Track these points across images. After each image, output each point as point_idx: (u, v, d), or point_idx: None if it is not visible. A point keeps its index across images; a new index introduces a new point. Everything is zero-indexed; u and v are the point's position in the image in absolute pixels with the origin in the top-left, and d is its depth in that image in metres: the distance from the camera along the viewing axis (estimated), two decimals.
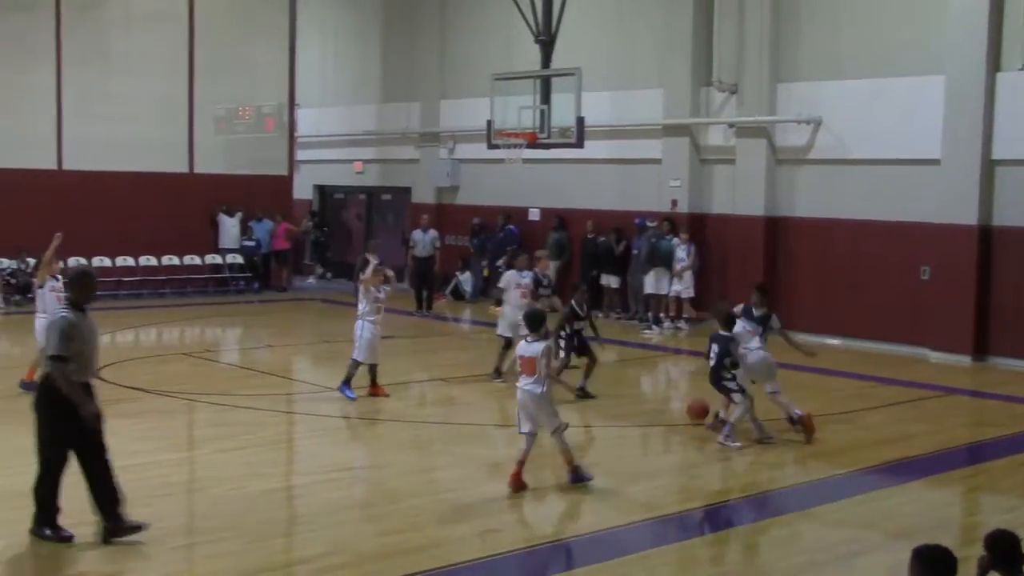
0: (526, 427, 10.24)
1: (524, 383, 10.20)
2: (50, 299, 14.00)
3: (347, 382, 14.26)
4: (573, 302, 15.06)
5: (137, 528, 8.59)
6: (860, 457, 11.94)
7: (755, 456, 12.13)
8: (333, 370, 15.20)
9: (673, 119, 22.42)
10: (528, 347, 10.27)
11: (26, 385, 14.28)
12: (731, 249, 21.61)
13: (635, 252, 22.50)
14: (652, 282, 21.71)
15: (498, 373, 15.60)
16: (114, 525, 8.57)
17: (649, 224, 21.85)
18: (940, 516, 10.20)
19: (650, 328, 21.46)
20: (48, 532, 8.56)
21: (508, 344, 15.34)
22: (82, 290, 8.70)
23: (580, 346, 14.97)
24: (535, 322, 10.51)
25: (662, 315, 21.70)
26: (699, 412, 12.99)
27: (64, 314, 8.50)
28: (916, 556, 5.28)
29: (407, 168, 28.41)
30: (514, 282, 15.86)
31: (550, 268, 17.71)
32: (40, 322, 14.47)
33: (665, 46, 22.57)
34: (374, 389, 14.39)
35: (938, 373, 17.40)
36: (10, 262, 23.30)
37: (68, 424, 8.41)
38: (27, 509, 8.57)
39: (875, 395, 15.55)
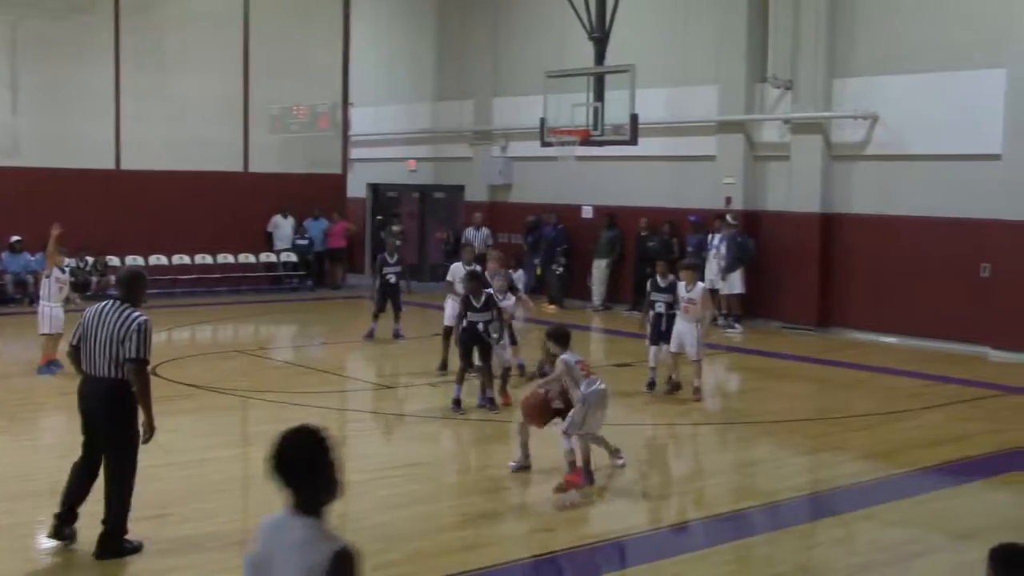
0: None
1: None
2: (53, 288, 14.57)
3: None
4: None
5: (69, 539, 8.44)
6: (918, 457, 11.78)
7: (811, 455, 12.02)
8: (386, 367, 15.23)
9: (727, 116, 22.26)
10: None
11: (44, 368, 14.65)
12: (785, 246, 21.41)
13: (689, 249, 22.36)
14: (739, 282, 21.24)
15: (444, 366, 15.47)
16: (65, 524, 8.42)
17: (732, 222, 21.50)
18: (1001, 517, 10.02)
19: (732, 327, 21.01)
20: (134, 543, 8.39)
21: (448, 334, 15.31)
22: (129, 289, 8.40)
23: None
24: (560, 339, 10.32)
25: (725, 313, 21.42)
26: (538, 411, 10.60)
27: (146, 317, 8.23)
28: (993, 556, 4.74)
29: (460, 166, 28.44)
30: (458, 275, 15.41)
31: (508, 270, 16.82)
32: (44, 309, 14.85)
33: (720, 42, 22.42)
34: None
35: (998, 372, 17.13)
36: (70, 260, 23.55)
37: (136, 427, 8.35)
38: (89, 504, 8.61)
39: (933, 394, 15.34)
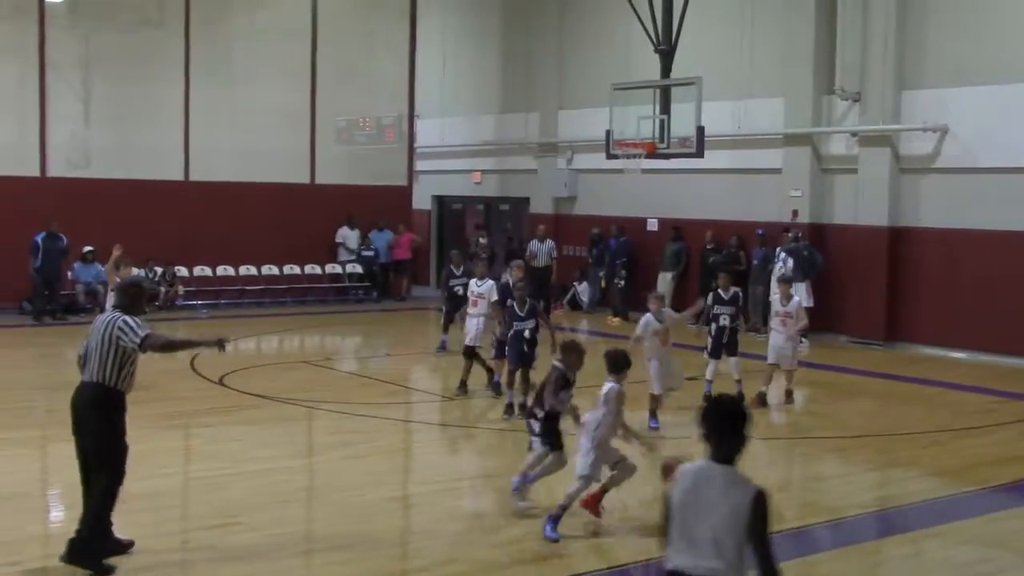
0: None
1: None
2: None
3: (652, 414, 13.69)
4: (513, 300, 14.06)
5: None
6: (989, 475, 11.57)
7: (879, 471, 11.86)
8: (451, 379, 15.25)
9: (794, 128, 22.09)
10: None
11: None
12: (853, 259, 21.18)
13: (755, 263, 22.21)
14: (806, 295, 20.36)
15: (463, 387, 14.96)
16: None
17: (799, 236, 21.26)
18: None
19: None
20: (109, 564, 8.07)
21: (469, 354, 14.99)
22: (126, 297, 8.32)
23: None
24: (614, 363, 9.84)
25: None
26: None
27: (122, 315, 8.12)
28: None
29: (525, 178, 28.47)
30: (473, 291, 15.22)
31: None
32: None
33: (786, 54, 22.26)
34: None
35: None
36: (139, 271, 23.90)
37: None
38: (157, 512, 8.71)
39: (1005, 411, 15.07)
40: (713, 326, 14.86)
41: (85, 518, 8.06)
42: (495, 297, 14.92)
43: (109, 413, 8.09)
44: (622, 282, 24.62)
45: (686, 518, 4.95)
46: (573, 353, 9.95)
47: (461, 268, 18.69)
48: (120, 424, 8.15)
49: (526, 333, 13.76)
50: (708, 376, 14.84)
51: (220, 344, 8.44)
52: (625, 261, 24.70)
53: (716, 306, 14.86)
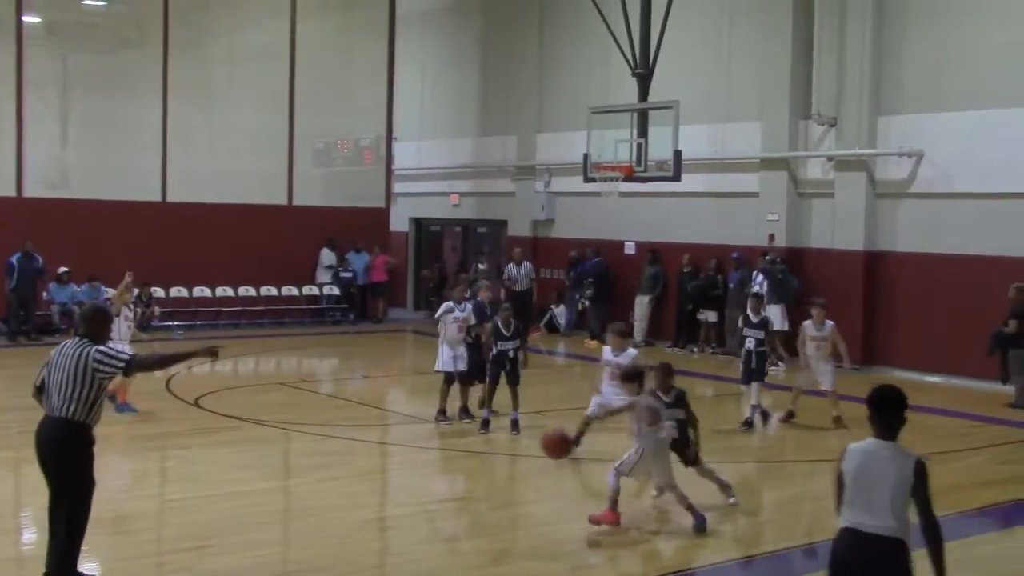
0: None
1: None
2: (123, 327, 14.63)
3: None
4: (498, 320, 14.38)
5: None
6: (963, 499, 11.58)
7: None
8: (427, 401, 15.22)
9: (771, 152, 22.21)
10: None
11: (121, 407, 14.63)
12: (830, 284, 21.24)
13: (731, 286, 22.28)
14: (780, 318, 20.46)
15: (442, 414, 14.84)
16: None
17: (776, 259, 21.36)
18: None
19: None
20: None
21: (448, 380, 14.83)
22: (91, 325, 7.97)
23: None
24: (629, 377, 10.41)
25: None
26: (556, 445, 10.62)
27: (98, 346, 7.83)
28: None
29: (503, 201, 28.51)
30: (450, 316, 14.97)
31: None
32: (116, 347, 14.90)
33: (763, 79, 22.41)
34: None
35: None
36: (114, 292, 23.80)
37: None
38: (131, 535, 8.65)
39: (979, 435, 15.14)
40: (742, 350, 15.19)
41: (53, 559, 7.74)
42: (473, 320, 14.90)
43: (80, 450, 7.71)
44: (586, 301, 24.66)
45: (862, 486, 5.98)
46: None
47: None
48: (90, 460, 7.77)
49: (510, 353, 14.15)
50: (753, 401, 14.94)
51: (212, 352, 8.12)
52: (592, 281, 24.68)
53: (745, 329, 15.02)
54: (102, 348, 7.79)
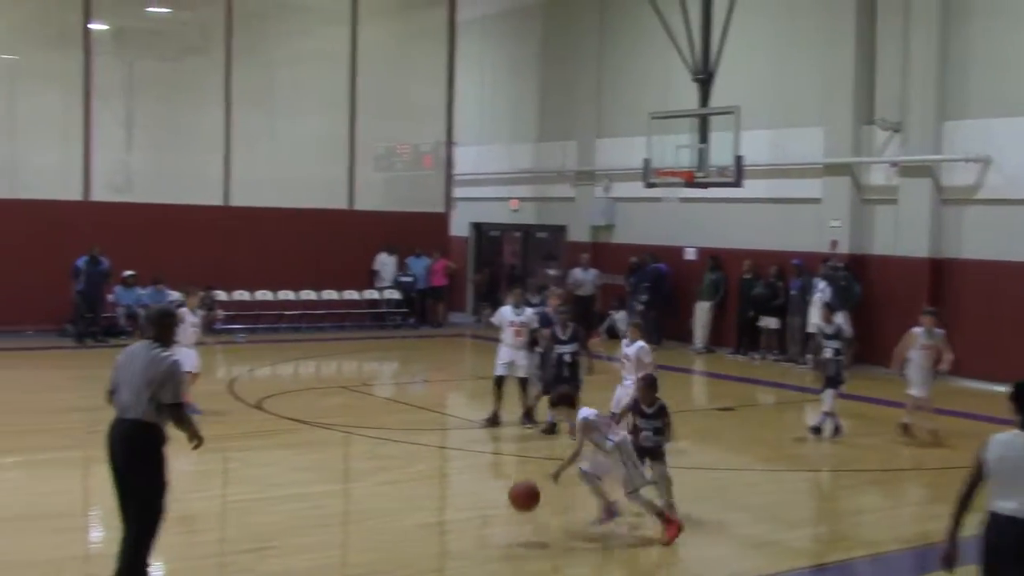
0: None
1: None
2: (189, 332, 14.65)
3: None
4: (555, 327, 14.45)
5: None
6: None
7: (921, 506, 11.72)
8: (487, 405, 15.22)
9: (833, 158, 21.99)
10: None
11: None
12: (893, 291, 21.01)
13: (792, 293, 22.10)
14: (848, 326, 20.41)
15: (495, 418, 14.83)
16: None
17: (839, 266, 21.16)
18: None
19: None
20: None
21: (499, 383, 14.82)
22: (160, 328, 8.03)
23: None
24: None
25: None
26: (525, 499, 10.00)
27: (176, 357, 8.04)
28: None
29: (563, 206, 28.50)
30: (507, 320, 14.95)
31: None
32: (179, 351, 15.02)
33: (826, 83, 22.18)
34: None
35: None
36: (175, 295, 24.05)
37: None
38: (192, 535, 8.72)
39: None
40: (816, 359, 15.21)
41: (124, 558, 7.78)
42: (535, 325, 14.88)
43: (153, 451, 7.75)
44: (641, 306, 24.57)
45: (1008, 475, 6.26)
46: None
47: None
48: (163, 460, 7.80)
49: (566, 357, 14.08)
50: (826, 408, 14.80)
51: (198, 442, 7.97)
52: (647, 286, 24.58)
53: (823, 339, 14.97)
54: (177, 368, 7.82)
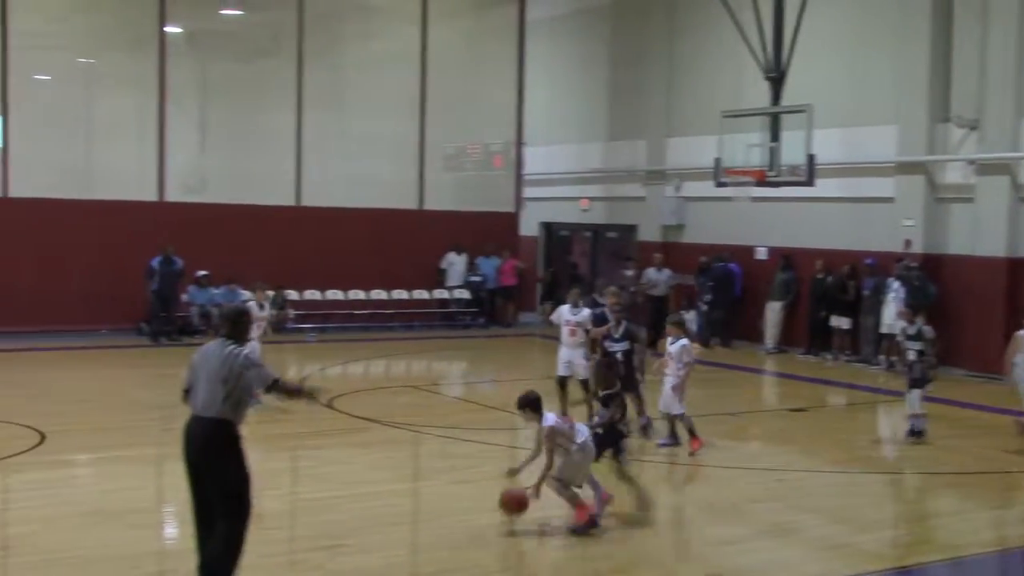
0: None
1: None
2: (257, 326, 14.83)
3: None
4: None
5: None
6: None
7: (1000, 510, 11.52)
8: (555, 406, 15.18)
9: (908, 156, 21.67)
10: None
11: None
12: (970, 291, 20.67)
13: (865, 292, 21.82)
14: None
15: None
16: None
17: (911, 265, 20.88)
18: None
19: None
20: None
21: (562, 383, 14.79)
22: (235, 326, 8.08)
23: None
24: (520, 406, 10.19)
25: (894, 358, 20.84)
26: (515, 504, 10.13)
27: (247, 349, 8.01)
28: None
29: (633, 206, 28.39)
30: (563, 319, 14.94)
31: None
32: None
33: (900, 80, 21.87)
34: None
35: None
36: (249, 294, 24.30)
37: None
38: (265, 532, 8.78)
39: None
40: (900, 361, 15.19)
41: (213, 558, 7.76)
42: (589, 325, 14.83)
43: (231, 446, 7.78)
44: (704, 305, 24.40)
45: None
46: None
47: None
48: (243, 455, 7.83)
49: (618, 355, 13.91)
50: (914, 410, 14.55)
51: (313, 397, 8.23)
52: (712, 286, 24.41)
53: (905, 341, 14.79)
54: (249, 355, 7.90)
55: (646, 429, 14.00)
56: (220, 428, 7.73)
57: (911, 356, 14.63)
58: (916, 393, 14.47)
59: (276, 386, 7.91)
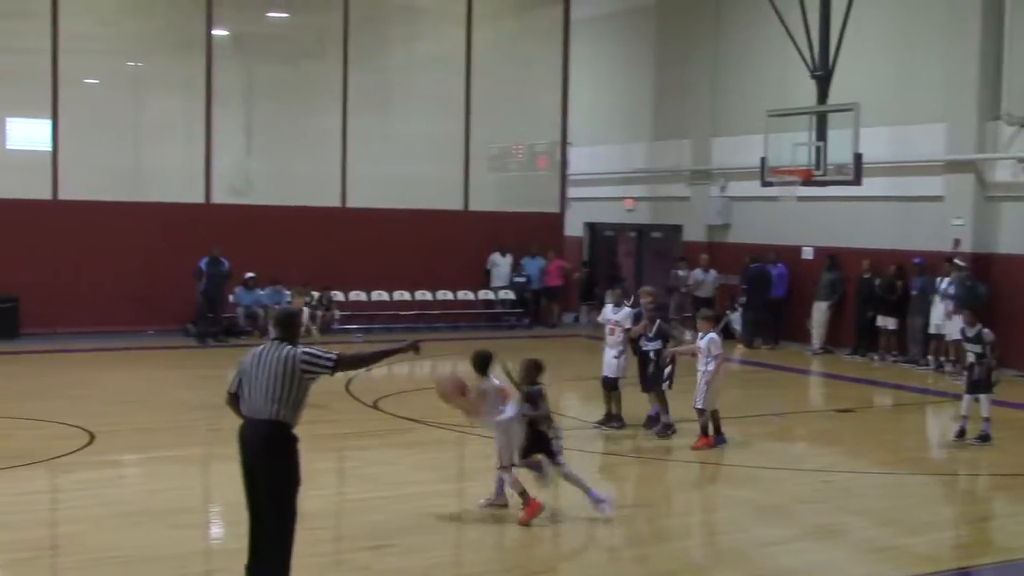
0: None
1: None
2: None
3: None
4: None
5: None
6: None
7: None
8: (600, 407, 15.16)
9: (957, 154, 21.43)
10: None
11: None
12: (1020, 291, 20.40)
13: (913, 293, 21.60)
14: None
15: (610, 418, 14.88)
16: None
17: (961, 264, 20.63)
18: None
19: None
20: None
21: (607, 385, 14.84)
22: (286, 329, 8.07)
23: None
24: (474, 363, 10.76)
25: (942, 359, 20.63)
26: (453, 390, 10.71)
27: (299, 348, 7.96)
28: None
29: (678, 206, 28.28)
30: (606, 318, 15.03)
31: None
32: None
33: (948, 78, 21.62)
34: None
35: None
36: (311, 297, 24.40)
37: None
38: (311, 532, 8.82)
39: None
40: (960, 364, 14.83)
41: (271, 559, 7.77)
42: (628, 324, 14.82)
43: (290, 450, 7.76)
44: (739, 307, 24.27)
45: None
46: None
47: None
48: (299, 458, 7.81)
49: (651, 354, 14.30)
50: (962, 411, 14.38)
51: (414, 347, 8.34)
52: (746, 288, 24.34)
53: (965, 343, 14.64)
54: (307, 350, 7.88)
55: (667, 429, 14.16)
56: (277, 430, 7.72)
57: (970, 359, 14.44)
58: (985, 398, 14.22)
59: (341, 363, 7.87)
